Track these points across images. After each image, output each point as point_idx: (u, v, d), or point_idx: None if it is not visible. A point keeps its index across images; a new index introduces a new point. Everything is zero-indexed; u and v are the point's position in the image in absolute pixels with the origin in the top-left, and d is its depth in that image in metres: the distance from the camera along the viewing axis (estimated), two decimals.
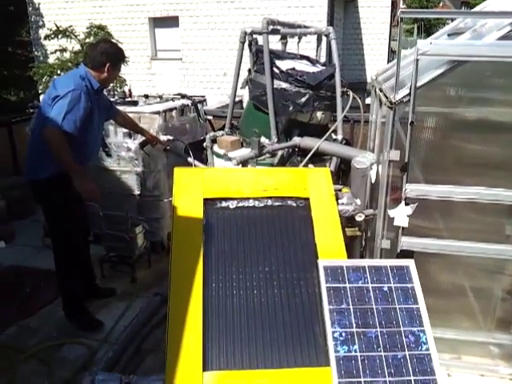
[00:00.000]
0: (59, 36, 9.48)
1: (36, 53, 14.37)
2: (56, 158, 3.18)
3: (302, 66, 3.92)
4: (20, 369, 3.12)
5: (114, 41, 8.47)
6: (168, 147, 4.18)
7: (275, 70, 3.70)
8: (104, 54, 3.32)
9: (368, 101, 4.54)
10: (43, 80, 9.81)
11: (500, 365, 3.03)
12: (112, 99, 4.70)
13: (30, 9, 14.17)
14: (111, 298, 3.93)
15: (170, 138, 4.25)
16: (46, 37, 9.70)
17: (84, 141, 3.29)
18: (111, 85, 9.36)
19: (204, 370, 1.90)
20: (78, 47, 9.79)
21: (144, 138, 4.07)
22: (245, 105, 4.96)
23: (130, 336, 3.16)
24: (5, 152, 6.20)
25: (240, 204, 2.45)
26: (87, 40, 10.04)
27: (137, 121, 4.22)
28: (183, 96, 5.09)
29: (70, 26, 9.52)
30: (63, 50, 9.63)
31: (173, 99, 4.95)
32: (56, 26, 9.50)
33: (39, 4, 14.05)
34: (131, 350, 3.05)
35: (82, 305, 3.64)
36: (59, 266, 3.55)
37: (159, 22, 13.63)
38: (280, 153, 3.62)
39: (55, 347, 3.33)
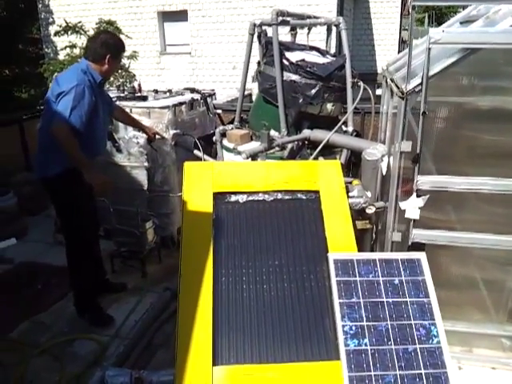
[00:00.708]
0: (69, 32, 9.49)
1: (46, 49, 14.44)
2: (66, 154, 3.19)
3: (312, 58, 3.87)
4: (31, 364, 3.15)
5: (122, 36, 8.43)
6: (173, 142, 4.17)
7: (285, 61, 3.67)
8: (104, 45, 3.30)
9: (379, 92, 4.47)
10: (53, 77, 9.84)
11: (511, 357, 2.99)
12: (122, 94, 4.71)
13: (40, 6, 14.25)
14: (122, 293, 3.94)
15: (179, 132, 4.24)
16: (56, 33, 9.71)
17: (91, 135, 3.29)
18: (121, 80, 9.43)
19: (214, 364, 1.89)
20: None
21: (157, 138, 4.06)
22: (254, 98, 4.93)
23: (140, 331, 3.17)
24: (16, 149, 6.25)
25: (250, 198, 2.43)
26: None
27: (146, 116, 4.22)
28: (192, 90, 5.08)
29: (80, 22, 9.53)
30: (73, 47, 9.64)
31: (182, 93, 4.94)
32: (65, 22, 9.51)
33: (49, 1, 14.12)
34: (142, 346, 3.06)
35: (93, 300, 3.66)
36: (71, 262, 3.57)
37: (168, 17, 13.62)
38: (290, 146, 3.59)
39: (66, 343, 3.35)
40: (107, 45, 3.32)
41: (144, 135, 4.12)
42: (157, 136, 4.09)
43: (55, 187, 3.39)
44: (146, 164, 4.32)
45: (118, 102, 4.33)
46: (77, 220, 3.45)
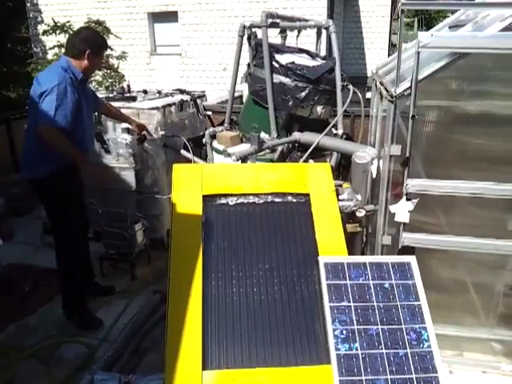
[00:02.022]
0: (57, 32, 9.41)
1: (35, 49, 14.31)
2: (59, 152, 3.19)
3: (302, 60, 3.87)
4: (19, 367, 3.11)
5: (111, 36, 8.35)
6: (162, 144, 4.15)
7: (274, 64, 3.66)
8: (84, 40, 3.28)
9: (368, 95, 4.50)
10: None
11: (502, 361, 3.01)
12: (110, 95, 4.68)
13: (29, 5, 14.11)
14: (111, 296, 3.91)
15: (169, 134, 4.22)
16: (44, 32, 9.64)
17: (76, 133, 3.26)
18: (110, 81, 9.37)
19: (203, 368, 1.88)
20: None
21: (143, 133, 4.03)
22: (244, 100, 4.92)
23: (129, 335, 3.14)
24: (3, 149, 6.18)
25: (239, 200, 2.42)
26: None
27: (135, 116, 4.19)
28: (182, 91, 5.06)
29: (68, 22, 9.45)
30: (61, 46, 9.53)
31: (172, 94, 4.92)
32: (54, 21, 9.44)
33: (37, 0, 13.99)
34: (130, 349, 3.04)
35: (82, 303, 3.62)
36: (61, 263, 3.53)
37: (158, 17, 13.58)
38: (280, 148, 3.59)
39: (54, 346, 3.32)
40: (87, 40, 3.28)
41: (134, 137, 4.10)
42: (144, 132, 4.06)
43: (44, 188, 3.36)
44: (135, 165, 4.29)
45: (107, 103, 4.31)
46: (67, 220, 3.42)
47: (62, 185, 3.29)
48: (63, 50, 9.89)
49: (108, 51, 10.33)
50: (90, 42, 3.30)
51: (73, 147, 3.21)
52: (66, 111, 3.11)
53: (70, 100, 3.14)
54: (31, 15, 14.19)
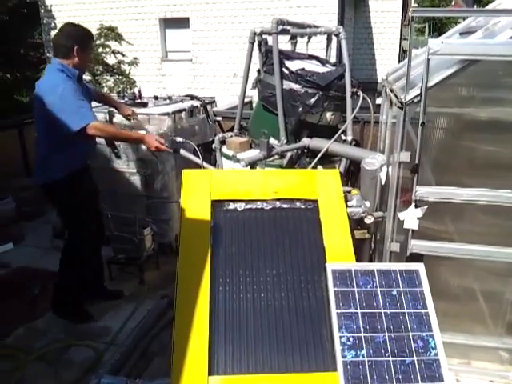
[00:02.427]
0: None
1: (48, 54, 14.46)
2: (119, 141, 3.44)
3: (312, 67, 3.88)
4: (27, 370, 3.13)
5: (123, 42, 8.38)
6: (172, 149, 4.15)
7: (284, 70, 3.67)
8: (69, 37, 3.25)
9: (378, 101, 4.49)
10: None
11: (510, 371, 2.97)
12: (122, 100, 4.71)
13: (43, 11, 14.30)
14: (119, 300, 3.92)
15: (179, 139, 4.23)
16: None
17: None
18: (121, 86, 9.43)
19: (210, 374, 1.88)
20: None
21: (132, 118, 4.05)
22: (254, 106, 4.93)
23: (136, 339, 3.15)
24: (16, 153, 6.24)
25: (248, 206, 2.43)
26: (97, 41, 10.09)
27: (146, 122, 4.22)
28: (192, 97, 5.09)
29: None
30: None
31: (182, 100, 4.95)
32: None
33: (51, 6, 14.18)
34: (137, 353, 3.04)
35: (79, 305, 3.67)
36: (65, 264, 3.56)
37: (170, 23, 13.69)
38: (289, 154, 3.59)
39: (62, 349, 3.33)
40: (72, 37, 3.25)
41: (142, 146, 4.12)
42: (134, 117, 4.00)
43: (57, 193, 3.39)
44: (145, 170, 4.31)
45: None
46: (82, 223, 3.45)
47: (75, 188, 3.33)
48: None
49: (120, 57, 10.47)
50: (76, 38, 3.26)
51: (126, 132, 3.42)
52: (86, 105, 3.19)
53: (82, 94, 3.21)
54: (45, 21, 14.37)
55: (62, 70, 3.22)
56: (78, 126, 3.10)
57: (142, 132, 3.72)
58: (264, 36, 3.94)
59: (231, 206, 2.42)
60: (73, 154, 3.32)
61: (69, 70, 3.24)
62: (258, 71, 4.03)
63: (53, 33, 13.66)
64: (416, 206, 2.66)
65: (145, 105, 4.59)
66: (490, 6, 3.61)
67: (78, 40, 3.25)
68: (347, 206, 2.59)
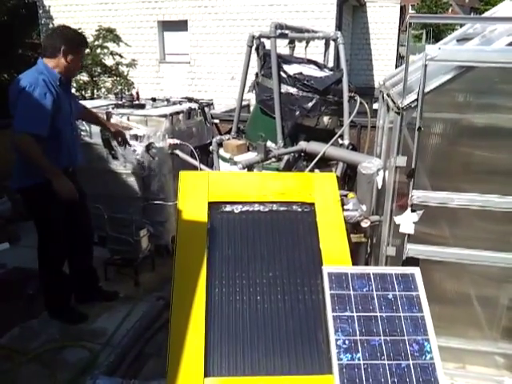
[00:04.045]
0: None
1: None
2: (33, 164, 3.07)
3: (310, 71, 3.90)
4: (22, 371, 3.11)
5: (121, 43, 8.38)
6: (169, 151, 4.15)
7: (282, 74, 3.69)
8: (59, 37, 3.13)
9: (375, 106, 4.51)
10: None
11: (505, 375, 2.98)
12: (119, 102, 4.72)
13: (41, 12, 14.29)
14: (114, 302, 3.91)
15: (177, 141, 4.24)
16: None
17: (57, 139, 3.15)
18: (119, 87, 9.43)
19: (205, 375, 1.88)
20: (86, 50, 9.83)
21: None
22: (252, 109, 4.94)
23: (131, 340, 3.14)
24: (11, 153, 6.19)
25: (245, 208, 2.44)
26: (96, 43, 10.09)
27: (143, 124, 4.23)
28: (190, 99, 5.10)
29: (79, 29, 9.55)
30: None
31: (180, 102, 4.96)
32: None
33: (49, 7, 14.17)
34: (133, 354, 3.04)
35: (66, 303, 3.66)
36: (41, 262, 3.55)
37: (168, 26, 13.70)
38: (286, 157, 3.60)
39: (57, 350, 3.32)
40: (61, 36, 3.14)
41: (142, 143, 4.12)
42: (120, 139, 3.92)
43: (32, 198, 3.29)
44: (143, 172, 4.31)
45: (115, 110, 4.35)
46: (50, 235, 3.37)
47: (50, 196, 3.15)
48: None
49: (118, 58, 10.48)
50: (65, 38, 3.14)
51: (44, 159, 3.03)
52: (40, 115, 2.97)
53: (45, 103, 2.99)
54: (43, 22, 14.36)
55: (41, 72, 3.08)
56: (19, 129, 2.98)
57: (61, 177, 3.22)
58: (262, 40, 3.96)
59: (228, 208, 2.44)
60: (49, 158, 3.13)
61: (50, 74, 3.09)
62: (256, 74, 4.05)
63: None
64: (412, 211, 2.68)
65: (142, 106, 4.60)
66: (486, 14, 3.64)
67: (66, 41, 3.13)
68: (344, 210, 2.60)
